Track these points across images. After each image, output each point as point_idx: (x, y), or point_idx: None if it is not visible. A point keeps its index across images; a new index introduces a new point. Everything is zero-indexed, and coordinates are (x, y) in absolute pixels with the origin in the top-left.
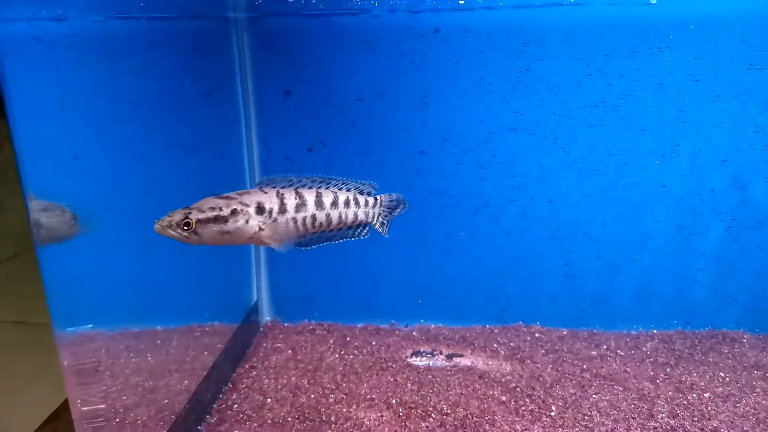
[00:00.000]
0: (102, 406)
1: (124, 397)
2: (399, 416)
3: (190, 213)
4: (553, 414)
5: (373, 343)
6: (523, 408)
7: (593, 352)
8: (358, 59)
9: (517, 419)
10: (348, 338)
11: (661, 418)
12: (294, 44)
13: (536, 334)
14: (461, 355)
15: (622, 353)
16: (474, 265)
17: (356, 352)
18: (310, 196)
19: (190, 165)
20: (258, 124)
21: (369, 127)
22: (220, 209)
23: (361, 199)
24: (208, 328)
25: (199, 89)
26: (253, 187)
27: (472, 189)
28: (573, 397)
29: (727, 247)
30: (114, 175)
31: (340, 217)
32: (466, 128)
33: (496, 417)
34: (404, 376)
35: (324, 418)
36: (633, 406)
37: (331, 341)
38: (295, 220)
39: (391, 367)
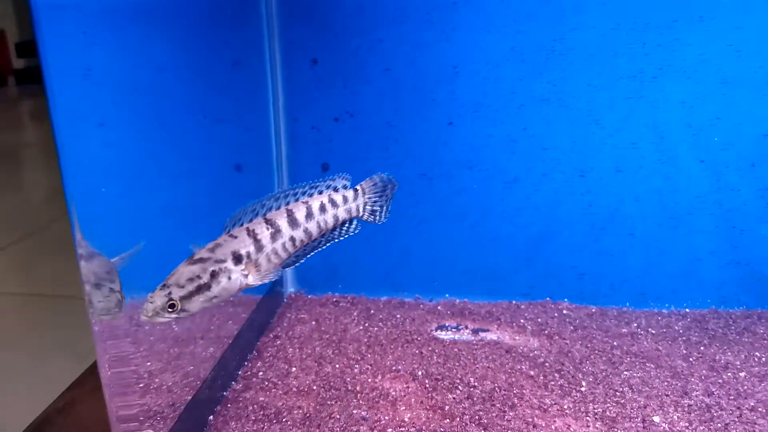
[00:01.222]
0: (128, 369)
1: (149, 363)
2: (425, 387)
3: (170, 293)
4: (583, 389)
5: (398, 316)
6: (552, 383)
7: (623, 330)
8: (387, 28)
9: (546, 393)
10: (372, 311)
11: (696, 396)
12: (323, 12)
13: (564, 311)
14: (487, 330)
15: (654, 332)
16: (502, 241)
17: (380, 324)
18: (281, 220)
19: (216, 134)
20: (285, 94)
21: (397, 98)
22: (199, 277)
23: (338, 198)
24: (232, 299)
25: (227, 57)
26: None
27: (501, 162)
28: (603, 374)
29: (766, 224)
30: (138, 143)
31: (319, 226)
32: (497, 100)
33: (524, 391)
34: (430, 348)
35: (349, 388)
36: (666, 383)
37: (355, 313)
38: (275, 251)
39: (417, 339)
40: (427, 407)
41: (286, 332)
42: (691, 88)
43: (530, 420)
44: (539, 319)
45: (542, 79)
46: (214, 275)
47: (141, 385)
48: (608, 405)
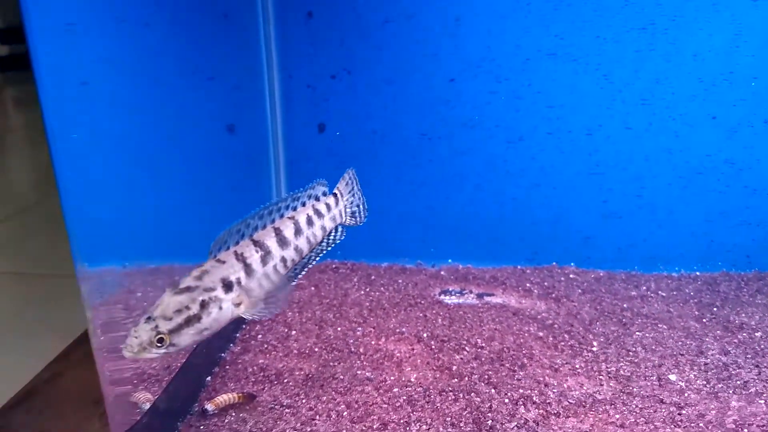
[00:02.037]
0: (121, 333)
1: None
2: (431, 349)
3: (157, 326)
4: (594, 349)
5: (400, 281)
6: (562, 343)
7: (633, 293)
8: None
9: (557, 354)
10: (373, 277)
11: (712, 355)
12: None
13: (571, 275)
14: (492, 294)
15: (664, 294)
16: (506, 204)
17: (382, 289)
18: (270, 240)
19: (206, 92)
20: (278, 49)
21: (396, 53)
22: (188, 308)
23: (322, 207)
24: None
25: (216, 10)
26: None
27: (505, 121)
28: (615, 334)
29: None
30: (125, 102)
31: (308, 241)
32: (501, 54)
33: (534, 351)
34: (434, 312)
35: (352, 350)
36: (680, 343)
37: (356, 279)
38: (266, 275)
39: (420, 303)
40: (434, 368)
41: None
42: (704, 40)
43: (542, 379)
44: (546, 283)
45: (549, 31)
46: (203, 305)
47: None
48: (621, 364)
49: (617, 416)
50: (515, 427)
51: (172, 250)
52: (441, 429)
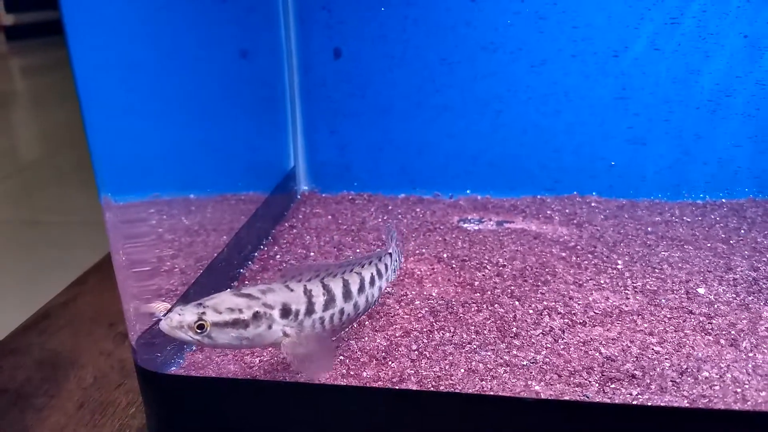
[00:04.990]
0: (140, 255)
1: (158, 250)
2: (452, 267)
3: (204, 313)
4: (619, 267)
5: (417, 210)
6: (586, 262)
7: (657, 218)
8: None
9: (580, 271)
10: (390, 207)
11: (741, 271)
12: None
13: (592, 204)
14: (512, 222)
15: (689, 219)
16: (527, 131)
17: (400, 216)
18: (337, 288)
19: (218, 15)
20: None
21: None
22: (240, 311)
23: (381, 266)
24: (243, 197)
25: None
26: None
27: (528, 43)
28: (639, 254)
29: None
30: (139, 30)
31: (366, 300)
32: None
33: (557, 269)
34: (453, 236)
35: None
36: (707, 261)
37: (373, 209)
38: (322, 320)
39: (439, 228)
40: (455, 284)
41: (301, 223)
42: None
43: (566, 293)
44: (567, 210)
45: None
46: (256, 316)
47: (152, 269)
48: (648, 280)
49: (645, 325)
50: (540, 335)
51: (187, 181)
52: (465, 336)
